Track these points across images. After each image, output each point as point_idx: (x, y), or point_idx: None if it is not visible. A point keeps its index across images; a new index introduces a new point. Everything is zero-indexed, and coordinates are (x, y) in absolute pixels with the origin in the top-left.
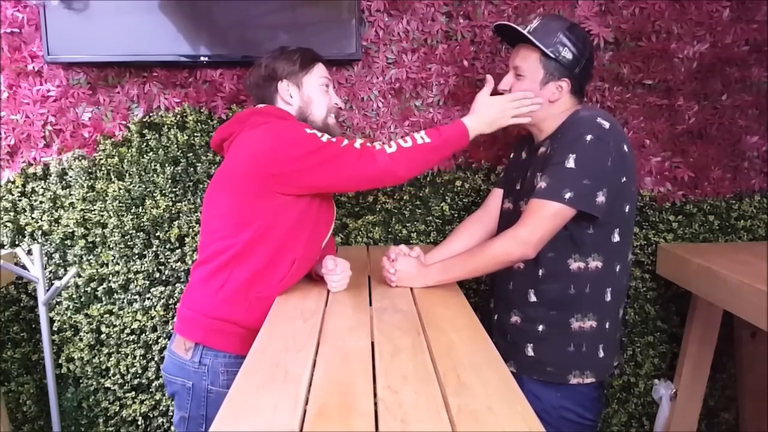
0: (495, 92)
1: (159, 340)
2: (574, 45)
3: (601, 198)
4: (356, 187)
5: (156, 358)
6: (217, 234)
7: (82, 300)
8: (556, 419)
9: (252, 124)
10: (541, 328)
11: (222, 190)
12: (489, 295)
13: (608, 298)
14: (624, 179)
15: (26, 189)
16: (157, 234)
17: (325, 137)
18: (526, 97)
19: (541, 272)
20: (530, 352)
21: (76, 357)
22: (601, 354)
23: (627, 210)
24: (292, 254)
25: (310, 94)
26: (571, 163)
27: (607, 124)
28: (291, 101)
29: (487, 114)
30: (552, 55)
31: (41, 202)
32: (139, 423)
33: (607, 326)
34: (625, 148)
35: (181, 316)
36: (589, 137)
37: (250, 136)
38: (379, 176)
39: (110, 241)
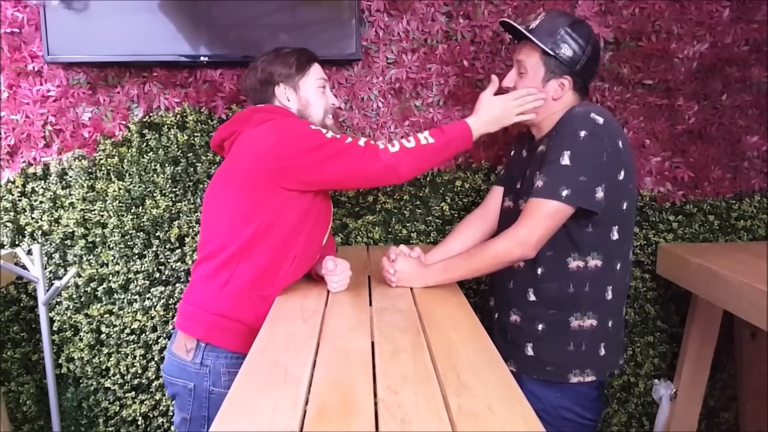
0: (499, 92)
1: (159, 340)
2: (575, 42)
3: (600, 194)
4: (360, 184)
5: (156, 358)
6: (220, 230)
7: (82, 300)
8: (556, 419)
9: (256, 122)
10: (540, 327)
11: (225, 187)
12: (489, 294)
13: (609, 296)
14: (620, 176)
15: (26, 189)
16: (157, 234)
17: (330, 134)
18: (529, 94)
19: (540, 271)
20: (530, 351)
21: (76, 357)
22: (603, 352)
23: (625, 207)
24: (293, 252)
25: (307, 96)
26: (566, 160)
27: (601, 120)
28: (289, 104)
29: (490, 113)
30: (551, 53)
31: (41, 202)
32: (139, 423)
33: (610, 325)
34: (621, 144)
35: (183, 312)
36: (583, 133)
37: (255, 132)
38: (382, 174)
39: (110, 241)
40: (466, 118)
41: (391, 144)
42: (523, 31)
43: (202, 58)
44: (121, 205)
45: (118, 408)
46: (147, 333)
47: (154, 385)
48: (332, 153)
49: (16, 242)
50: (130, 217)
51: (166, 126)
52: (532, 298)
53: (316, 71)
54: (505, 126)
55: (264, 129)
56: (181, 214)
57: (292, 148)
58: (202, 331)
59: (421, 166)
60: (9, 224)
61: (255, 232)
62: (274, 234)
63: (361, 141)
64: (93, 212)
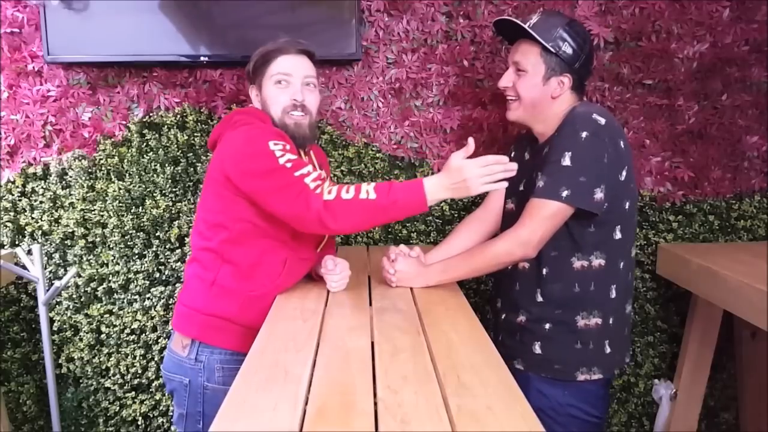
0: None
1: (159, 340)
2: (573, 40)
3: (599, 195)
4: (292, 225)
5: (156, 358)
6: (204, 233)
7: (82, 300)
8: (563, 417)
9: (234, 124)
10: (547, 326)
11: (205, 189)
12: (494, 296)
13: (613, 295)
14: (621, 176)
15: (26, 189)
16: (157, 234)
17: (284, 158)
18: (498, 163)
19: (545, 271)
20: (537, 350)
21: (76, 357)
22: (608, 350)
23: (627, 207)
24: (281, 254)
25: (265, 95)
26: (567, 161)
27: (603, 120)
28: (258, 104)
29: (455, 178)
30: (552, 50)
31: (41, 202)
32: (139, 423)
33: (611, 322)
34: (622, 144)
35: (177, 312)
36: (584, 134)
37: (230, 136)
38: (310, 223)
39: (110, 241)
40: (425, 178)
41: (329, 191)
42: (526, 27)
43: (202, 58)
44: (121, 205)
45: (118, 408)
46: (147, 333)
47: (154, 385)
48: (274, 187)
49: (16, 242)
50: (130, 217)
51: (166, 126)
52: (540, 298)
53: (276, 65)
54: (467, 196)
55: (234, 135)
56: (181, 214)
57: (243, 166)
58: (195, 330)
59: (356, 223)
60: (9, 224)
61: (230, 235)
62: (251, 236)
63: (309, 178)
64: (93, 212)
